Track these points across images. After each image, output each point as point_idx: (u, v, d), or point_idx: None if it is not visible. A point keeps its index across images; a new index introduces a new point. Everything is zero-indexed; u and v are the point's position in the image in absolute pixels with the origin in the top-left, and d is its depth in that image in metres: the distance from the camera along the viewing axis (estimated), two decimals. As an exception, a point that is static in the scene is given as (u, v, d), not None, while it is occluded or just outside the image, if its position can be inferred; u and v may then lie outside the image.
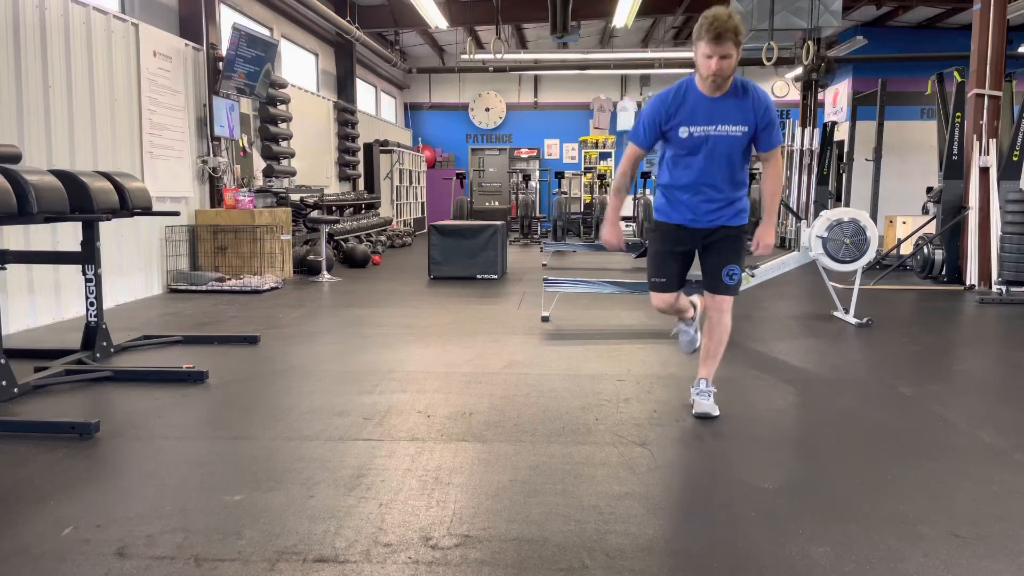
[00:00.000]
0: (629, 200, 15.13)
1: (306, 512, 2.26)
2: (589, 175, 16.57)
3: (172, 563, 1.95)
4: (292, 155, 9.64)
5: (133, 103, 6.50)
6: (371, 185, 13.70)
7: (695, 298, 3.55)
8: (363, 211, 12.33)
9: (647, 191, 13.36)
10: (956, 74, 7.93)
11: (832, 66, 12.69)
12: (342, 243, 9.76)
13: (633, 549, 2.04)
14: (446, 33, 14.22)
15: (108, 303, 6.00)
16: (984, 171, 7.57)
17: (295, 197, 9.27)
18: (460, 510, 2.28)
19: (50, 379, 3.65)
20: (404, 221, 15.07)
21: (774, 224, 3.18)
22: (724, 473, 2.62)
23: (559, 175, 14.16)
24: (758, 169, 15.95)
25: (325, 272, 8.02)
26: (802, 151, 12.70)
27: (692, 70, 2.98)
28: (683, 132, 2.94)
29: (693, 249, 3.20)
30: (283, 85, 9.38)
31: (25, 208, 3.35)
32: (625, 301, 6.39)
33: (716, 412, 3.19)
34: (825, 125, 11.96)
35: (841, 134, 12.20)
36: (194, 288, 6.98)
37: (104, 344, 4.26)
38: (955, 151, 7.80)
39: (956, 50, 10.32)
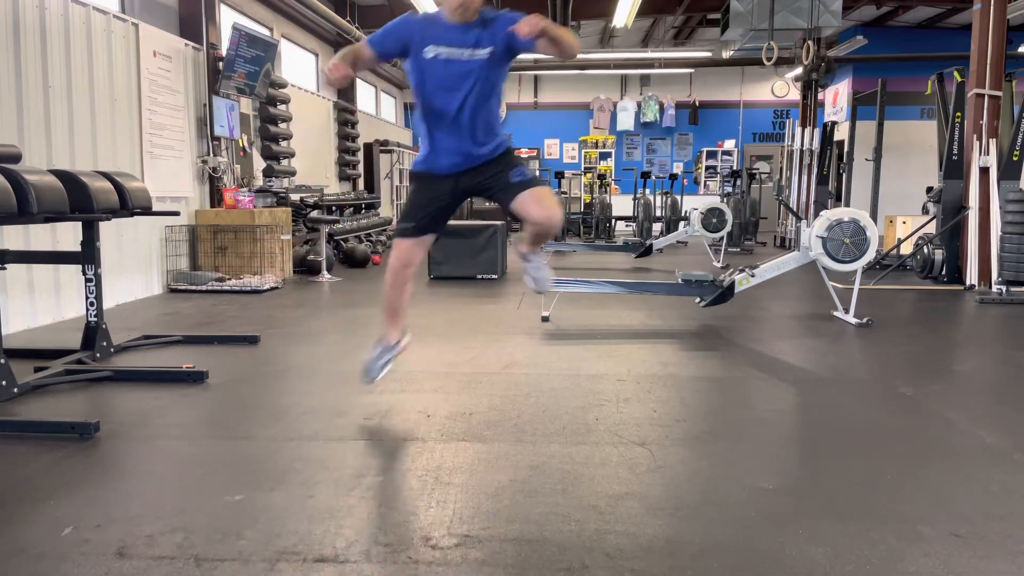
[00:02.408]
0: (629, 200, 15.14)
1: (306, 512, 2.26)
2: (589, 175, 16.57)
3: (172, 563, 1.95)
4: (292, 155, 9.64)
5: (133, 103, 6.50)
6: (371, 185, 13.70)
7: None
8: (363, 211, 12.33)
9: (647, 191, 13.36)
10: (956, 74, 7.93)
11: (832, 66, 12.69)
12: (342, 243, 9.76)
13: (633, 549, 2.04)
14: (446, 33, 14.19)
15: (108, 303, 6.00)
16: (984, 171, 7.57)
17: (295, 197, 9.27)
18: (460, 510, 2.28)
19: (50, 379, 3.65)
20: (404, 221, 15.04)
21: (552, 28, 2.85)
22: (724, 473, 2.62)
23: (559, 175, 14.16)
24: (758, 169, 15.95)
25: (325, 272, 8.02)
26: (802, 151, 12.70)
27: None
28: (430, 52, 2.90)
29: (453, 193, 3.12)
30: (283, 85, 9.38)
31: (25, 208, 3.34)
32: (625, 301, 6.38)
33: (550, 286, 3.29)
34: (825, 125, 11.96)
35: (841, 134, 12.20)
36: (194, 288, 6.98)
37: (104, 344, 4.26)
38: (955, 151, 7.79)
39: (956, 50, 10.31)
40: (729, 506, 2.33)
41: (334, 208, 10.66)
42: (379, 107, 16.43)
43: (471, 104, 2.94)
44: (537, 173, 3.22)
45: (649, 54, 14.42)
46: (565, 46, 2.87)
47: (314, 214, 9.12)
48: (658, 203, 14.16)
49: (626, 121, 17.67)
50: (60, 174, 3.74)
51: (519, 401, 3.45)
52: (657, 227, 13.76)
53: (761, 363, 4.34)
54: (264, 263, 7.47)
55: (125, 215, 4.20)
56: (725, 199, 12.66)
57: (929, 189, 8.55)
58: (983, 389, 3.90)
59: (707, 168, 17.56)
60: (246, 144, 8.76)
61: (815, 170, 11.85)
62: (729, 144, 17.57)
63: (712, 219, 9.87)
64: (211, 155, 7.73)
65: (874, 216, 9.64)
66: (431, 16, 2.99)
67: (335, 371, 4.07)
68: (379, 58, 3.03)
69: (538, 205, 3.00)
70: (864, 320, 5.38)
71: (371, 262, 9.47)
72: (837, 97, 14.28)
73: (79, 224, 4.12)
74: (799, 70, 13.40)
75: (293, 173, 9.71)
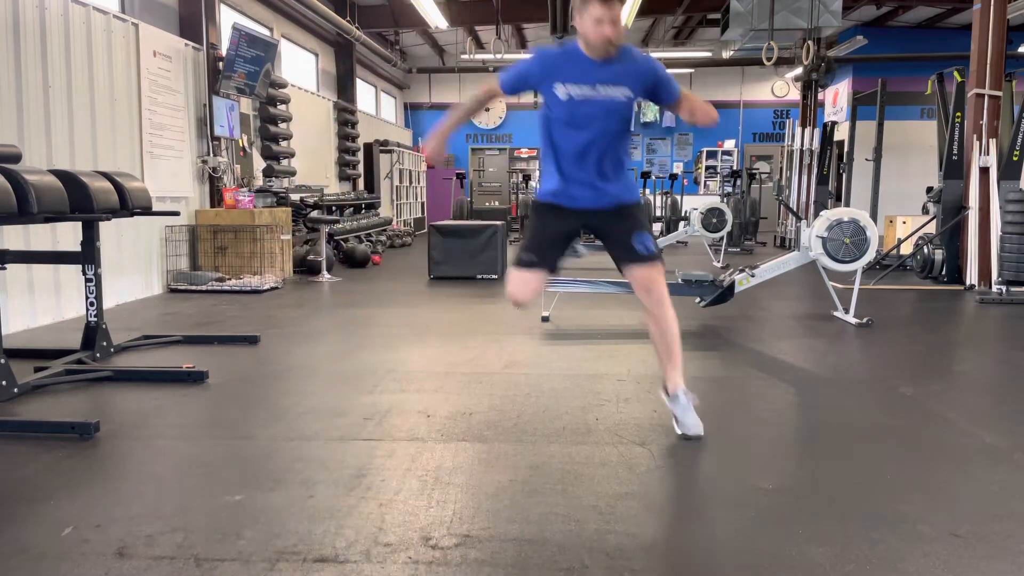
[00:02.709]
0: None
1: (306, 512, 2.26)
2: (589, 175, 16.54)
3: (172, 563, 1.95)
4: (292, 155, 9.65)
5: (133, 103, 6.50)
6: (371, 185, 13.70)
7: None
8: (363, 211, 12.33)
9: (647, 191, 13.35)
10: (956, 74, 7.93)
11: (832, 66, 12.69)
12: (342, 243, 9.76)
13: (633, 549, 2.04)
14: (446, 33, 14.21)
15: (108, 303, 6.00)
16: (984, 171, 7.57)
17: (295, 197, 9.27)
18: (460, 510, 2.28)
19: (50, 379, 3.65)
20: (404, 221, 15.07)
21: (691, 97, 2.93)
22: (724, 473, 2.62)
23: (559, 175, 14.13)
24: (758, 169, 15.96)
25: (325, 272, 8.02)
26: (802, 151, 12.69)
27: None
28: (562, 92, 2.79)
29: (576, 229, 3.04)
30: (283, 85, 9.38)
31: (25, 208, 3.34)
32: (625, 301, 6.37)
33: (702, 431, 2.89)
34: (825, 125, 11.96)
35: (841, 134, 12.20)
36: (194, 288, 6.98)
37: (104, 344, 4.26)
38: (955, 151, 7.79)
39: (956, 50, 10.31)
40: (729, 506, 2.33)
41: (334, 208, 10.67)
42: (379, 107, 16.43)
43: (601, 143, 2.82)
44: (655, 241, 3.11)
45: (649, 54, 14.41)
46: (700, 118, 2.89)
47: (314, 214, 9.12)
48: (658, 203, 14.17)
49: (626, 121, 17.65)
50: (60, 174, 3.74)
51: (519, 401, 3.45)
52: (657, 227, 13.76)
53: (761, 363, 4.34)
54: (264, 263, 7.47)
55: (125, 215, 4.20)
56: (725, 199, 12.66)
57: (929, 189, 8.55)
58: (983, 389, 3.90)
59: (707, 168, 17.57)
60: (246, 144, 8.76)
61: (815, 170, 11.85)
62: (729, 144, 17.57)
63: (712, 219, 9.87)
64: (211, 155, 7.73)
65: (874, 216, 9.64)
66: (568, 50, 2.81)
67: (335, 371, 4.07)
68: (508, 97, 2.99)
69: (647, 293, 2.88)
70: (864, 320, 5.38)
71: (371, 262, 9.48)
72: (837, 97, 14.28)
73: (79, 224, 4.12)
74: (799, 70, 13.41)
75: (293, 173, 9.71)
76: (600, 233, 3.03)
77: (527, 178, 15.50)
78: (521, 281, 2.95)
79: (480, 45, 15.11)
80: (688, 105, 2.88)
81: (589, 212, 2.95)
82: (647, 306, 2.91)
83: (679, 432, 2.96)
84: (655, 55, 14.31)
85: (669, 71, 2.96)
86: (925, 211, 9.11)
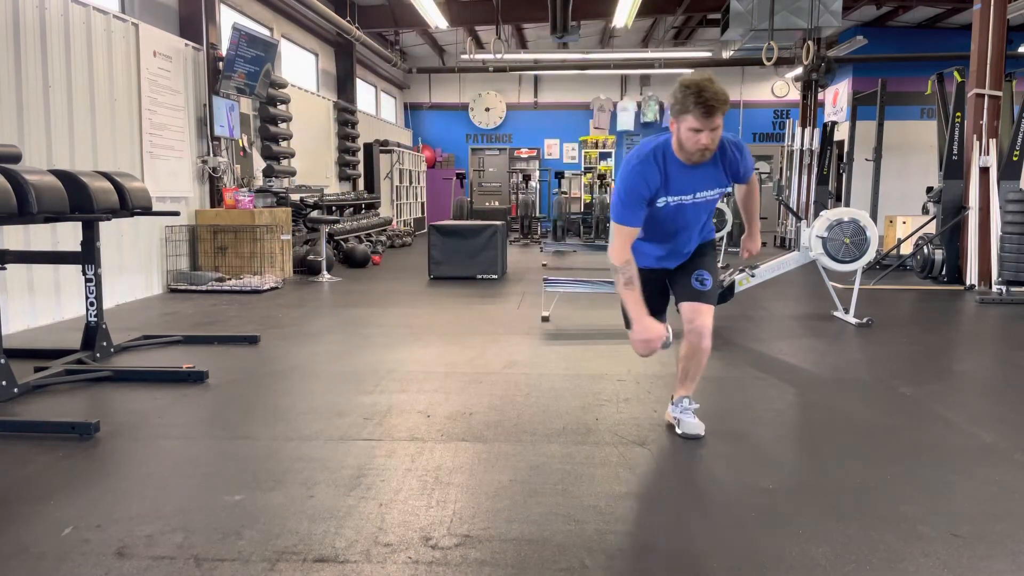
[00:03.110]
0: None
1: (306, 512, 2.26)
2: (589, 175, 16.57)
3: (172, 563, 1.95)
4: (292, 155, 9.64)
5: (133, 103, 6.50)
6: (371, 185, 13.70)
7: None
8: (363, 211, 12.33)
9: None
10: (956, 74, 7.93)
11: (832, 66, 12.69)
12: (342, 243, 9.76)
13: (633, 549, 2.04)
14: (446, 33, 14.21)
15: (108, 303, 6.00)
16: (984, 171, 7.57)
17: (295, 197, 9.27)
18: (460, 510, 2.28)
19: (50, 379, 3.65)
20: (404, 221, 15.07)
21: (758, 233, 3.25)
22: (724, 473, 2.62)
23: (559, 175, 14.17)
24: (758, 169, 15.95)
25: (325, 272, 8.02)
26: (802, 151, 12.70)
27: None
28: (661, 202, 2.76)
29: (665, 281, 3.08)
30: (283, 85, 9.38)
31: (25, 208, 3.35)
32: (625, 301, 6.37)
33: (703, 431, 2.96)
34: (825, 125, 11.96)
35: (841, 134, 12.20)
36: (194, 288, 6.98)
37: (104, 344, 4.26)
38: (955, 151, 7.80)
39: (956, 50, 10.32)
40: (729, 506, 2.33)
41: (334, 208, 10.67)
42: (379, 107, 16.43)
43: (691, 229, 2.90)
44: (714, 280, 3.09)
45: (649, 54, 14.42)
46: (749, 205, 3.19)
47: (314, 214, 9.12)
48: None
49: (626, 121, 17.66)
50: (60, 174, 3.74)
51: (519, 401, 3.45)
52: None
53: (761, 363, 4.34)
54: (264, 263, 7.47)
55: (125, 215, 4.20)
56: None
57: (929, 189, 8.55)
58: (983, 389, 3.90)
59: (707, 168, 17.55)
60: (246, 144, 8.76)
61: (815, 170, 11.85)
62: (729, 144, 17.54)
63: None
64: (211, 155, 7.73)
65: (874, 216, 9.64)
66: (662, 157, 2.69)
67: (335, 371, 4.07)
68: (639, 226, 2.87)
69: (690, 323, 2.87)
70: (864, 320, 5.38)
71: (371, 262, 9.48)
72: (837, 97, 14.28)
73: (79, 224, 4.12)
74: (799, 70, 13.41)
75: (293, 173, 9.71)
76: (670, 277, 3.08)
77: (527, 178, 15.50)
78: (645, 328, 2.77)
79: (480, 45, 15.11)
80: (750, 188, 3.09)
81: (671, 267, 3.04)
82: (687, 334, 2.90)
83: (680, 432, 2.98)
84: (655, 55, 14.37)
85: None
86: (925, 211, 9.11)
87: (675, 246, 2.94)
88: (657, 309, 2.96)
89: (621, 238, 2.75)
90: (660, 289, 3.07)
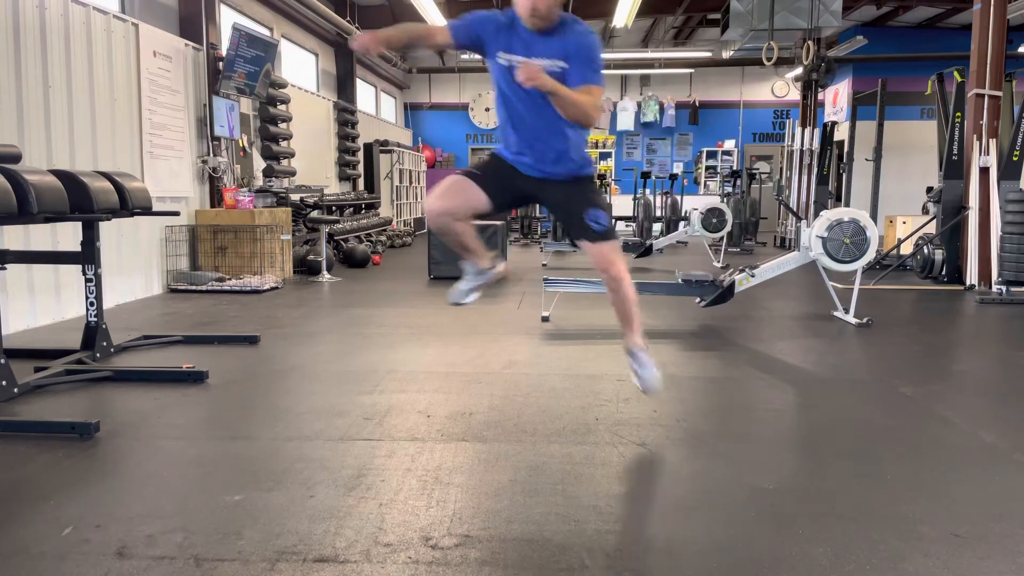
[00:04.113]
0: (628, 200, 15.13)
1: (306, 512, 2.26)
2: (589, 175, 16.55)
3: (172, 563, 1.95)
4: (292, 155, 9.64)
5: (133, 103, 6.50)
6: (371, 185, 13.70)
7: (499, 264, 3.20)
8: (363, 211, 12.33)
9: (647, 191, 13.36)
10: (956, 74, 7.93)
11: (832, 66, 12.68)
12: (342, 243, 9.76)
13: (633, 549, 2.04)
14: (446, 33, 14.19)
15: (108, 303, 6.00)
16: (984, 171, 7.57)
17: (295, 197, 9.27)
18: (460, 510, 2.28)
19: (50, 379, 3.65)
20: (404, 221, 15.07)
21: (559, 89, 2.58)
22: (724, 473, 2.62)
23: (559, 175, 14.13)
24: (758, 169, 15.94)
25: (325, 272, 8.02)
26: (802, 151, 12.70)
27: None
28: (500, 59, 2.75)
29: (524, 193, 3.01)
30: (283, 85, 9.38)
31: (25, 208, 3.34)
32: (625, 301, 6.37)
33: (659, 385, 3.00)
34: (825, 125, 11.96)
35: (841, 134, 12.20)
36: (194, 288, 6.98)
37: (104, 344, 4.26)
38: (955, 151, 7.80)
39: (956, 50, 10.31)
40: (729, 506, 2.33)
41: (334, 208, 10.67)
42: (379, 107, 16.43)
43: (543, 114, 2.75)
44: (608, 218, 3.10)
45: (649, 54, 14.43)
46: (572, 113, 2.65)
47: (314, 214, 9.12)
48: (658, 203, 14.17)
49: (626, 121, 17.67)
50: (60, 174, 3.74)
51: (519, 401, 3.45)
52: (657, 227, 13.76)
53: (761, 363, 4.34)
54: (264, 263, 7.47)
55: (125, 215, 4.20)
56: (725, 199, 12.66)
57: (929, 189, 8.56)
58: (983, 389, 3.90)
59: (707, 168, 17.57)
60: (246, 144, 8.76)
61: (815, 170, 11.85)
62: (729, 144, 17.57)
63: (712, 219, 9.87)
64: (211, 155, 7.73)
65: (874, 216, 9.64)
66: (511, 17, 2.78)
67: (335, 371, 4.07)
68: (452, 46, 2.92)
69: (605, 272, 2.93)
70: (864, 320, 5.38)
71: (371, 262, 9.48)
72: (837, 97, 14.28)
73: (79, 224, 4.12)
74: (799, 70, 13.41)
75: (293, 173, 9.71)
76: (551, 205, 3.04)
77: (527, 178, 15.49)
78: (452, 182, 2.90)
79: (480, 45, 15.10)
80: (574, 98, 2.64)
81: (537, 181, 2.94)
82: (605, 281, 2.98)
83: (637, 386, 3.06)
84: (655, 55, 14.37)
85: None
86: (925, 211, 9.12)
87: (528, 141, 2.86)
88: (500, 201, 2.97)
89: (433, 26, 2.99)
90: (511, 182, 2.97)
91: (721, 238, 10.24)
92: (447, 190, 2.93)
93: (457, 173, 3.00)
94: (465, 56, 13.37)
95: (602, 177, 15.24)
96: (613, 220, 2.94)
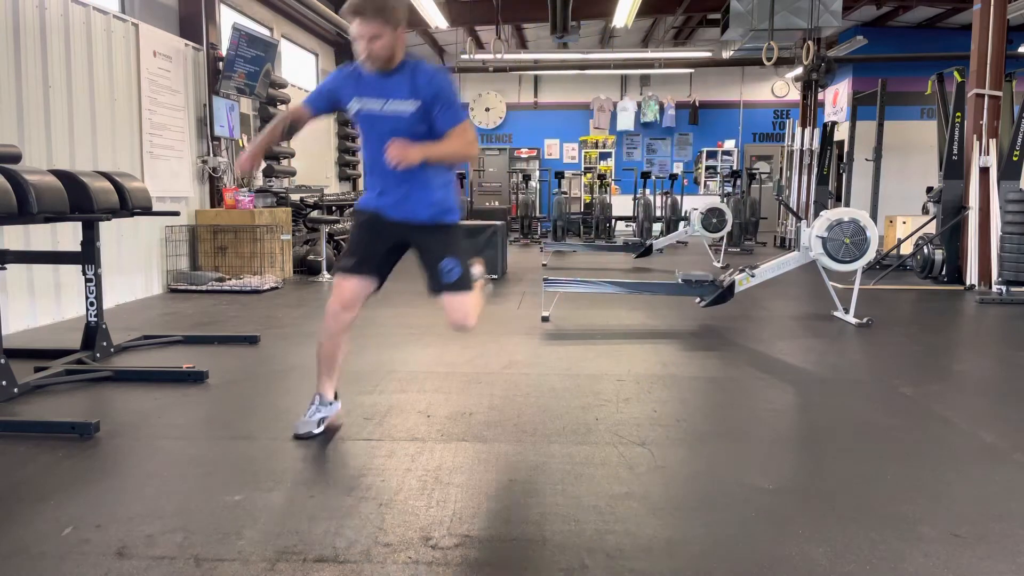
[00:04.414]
0: (629, 200, 15.14)
1: (306, 512, 2.26)
2: (589, 175, 16.58)
3: (172, 563, 1.95)
4: (292, 155, 9.64)
5: (133, 103, 6.50)
6: (371, 185, 13.68)
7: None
8: (363, 211, 12.30)
9: (647, 191, 13.36)
10: (956, 74, 7.93)
11: (832, 66, 12.69)
12: (342, 243, 9.75)
13: (633, 549, 2.04)
14: (446, 33, 14.21)
15: (108, 303, 6.00)
16: (984, 171, 7.57)
17: (295, 197, 9.27)
18: (460, 510, 2.28)
19: (50, 379, 3.65)
20: (404, 221, 15.05)
21: (429, 153, 2.67)
22: (724, 473, 2.62)
23: (559, 175, 14.17)
24: (758, 169, 15.94)
25: (325, 272, 8.02)
26: (802, 151, 12.70)
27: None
28: (356, 105, 2.82)
29: (395, 242, 3.01)
30: (283, 85, 9.38)
31: (25, 208, 3.35)
32: (625, 301, 6.38)
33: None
34: (825, 125, 11.97)
35: (841, 134, 12.20)
36: (194, 288, 6.98)
37: (104, 344, 4.26)
38: (955, 151, 7.80)
39: (956, 50, 10.31)
40: (729, 506, 2.33)
41: (334, 208, 10.66)
42: (379, 107, 16.42)
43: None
44: (463, 266, 2.98)
45: (649, 54, 14.42)
46: (453, 163, 2.84)
47: (314, 214, 9.12)
48: (658, 203, 14.17)
49: (626, 121, 17.65)
50: (60, 174, 3.74)
51: (519, 401, 3.45)
52: (657, 227, 13.76)
53: (761, 363, 4.34)
54: (264, 263, 7.47)
55: (125, 215, 4.20)
56: (725, 199, 12.66)
57: (929, 189, 8.56)
58: (983, 389, 3.90)
59: (707, 168, 17.56)
60: (246, 144, 8.76)
61: (815, 170, 11.86)
62: (729, 144, 17.56)
63: (712, 219, 9.87)
64: (211, 155, 7.73)
65: (874, 216, 9.64)
66: (358, 66, 2.81)
67: (335, 371, 4.06)
68: (315, 117, 3.00)
69: (454, 315, 2.93)
70: (864, 320, 5.38)
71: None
72: (837, 97, 14.28)
73: (79, 224, 4.12)
74: (799, 70, 13.40)
75: (293, 173, 9.71)
76: (415, 250, 3.04)
77: (527, 178, 15.51)
78: (338, 288, 2.98)
79: (480, 45, 15.11)
80: (449, 152, 2.74)
81: (401, 224, 2.92)
82: (451, 325, 2.97)
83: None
84: (655, 55, 14.38)
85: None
86: (925, 211, 9.11)
87: (390, 182, 2.84)
88: (368, 263, 3.01)
89: (291, 108, 3.08)
90: (381, 244, 2.98)
91: (721, 238, 10.23)
92: (339, 297, 3.03)
93: (336, 275, 3.04)
94: (465, 56, 13.35)
95: (602, 177, 15.26)
96: (480, 266, 2.89)
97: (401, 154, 2.54)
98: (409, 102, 2.73)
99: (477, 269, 3.28)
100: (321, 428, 3.00)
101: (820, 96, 13.44)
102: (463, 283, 2.92)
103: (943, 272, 7.73)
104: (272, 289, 7.11)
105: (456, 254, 2.94)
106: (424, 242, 2.97)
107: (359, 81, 2.81)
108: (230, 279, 7.26)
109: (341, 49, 13.02)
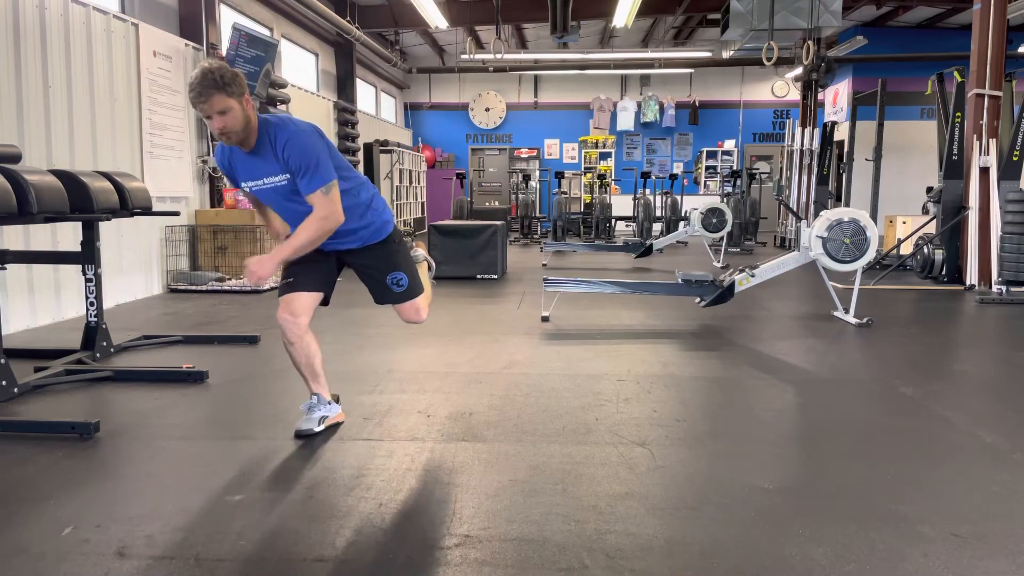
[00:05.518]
0: (629, 200, 15.15)
1: (306, 512, 2.26)
2: (589, 175, 16.58)
3: (172, 563, 1.95)
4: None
5: (133, 103, 6.50)
6: (371, 185, 13.68)
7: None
8: (363, 211, 12.30)
9: (647, 191, 13.36)
10: (956, 74, 7.93)
11: (832, 66, 12.69)
12: (342, 243, 9.75)
13: (633, 549, 2.04)
14: (446, 33, 14.22)
15: (108, 303, 6.00)
16: (984, 171, 7.57)
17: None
18: (460, 510, 2.28)
19: (50, 379, 3.65)
20: (404, 221, 15.07)
21: (284, 255, 2.71)
22: (724, 473, 2.62)
23: (559, 175, 14.17)
24: (758, 169, 15.95)
25: (325, 272, 8.01)
26: (802, 151, 12.70)
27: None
28: (245, 186, 2.83)
29: (334, 265, 3.05)
30: (283, 85, 9.38)
31: (25, 208, 3.35)
32: (625, 301, 6.39)
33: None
34: (825, 125, 11.96)
35: (841, 134, 12.20)
36: (194, 288, 6.98)
37: (104, 344, 4.26)
38: (955, 151, 7.80)
39: (956, 50, 10.32)
40: (729, 506, 2.33)
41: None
42: (379, 107, 16.43)
43: (301, 214, 2.75)
44: (410, 277, 3.10)
45: (649, 54, 14.42)
46: (321, 237, 2.75)
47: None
48: (658, 203, 14.17)
49: (626, 121, 17.67)
50: (60, 174, 3.74)
51: (519, 401, 3.45)
52: (657, 227, 13.76)
53: (761, 363, 4.34)
54: (264, 263, 7.46)
55: (125, 215, 4.20)
56: (725, 199, 12.66)
57: (929, 189, 8.55)
58: (983, 389, 3.90)
59: (707, 168, 17.57)
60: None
61: (815, 170, 11.85)
62: (729, 144, 17.57)
63: (712, 219, 9.87)
64: (211, 155, 7.73)
65: (874, 216, 9.64)
66: (232, 147, 2.78)
67: (335, 371, 4.06)
68: (250, 193, 2.90)
69: (408, 315, 3.12)
70: (864, 320, 5.38)
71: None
72: (837, 97, 14.28)
73: (79, 224, 4.12)
74: (799, 70, 13.41)
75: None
76: (355, 268, 3.07)
77: (527, 178, 15.51)
78: (284, 303, 2.98)
79: (480, 45, 15.11)
80: (309, 235, 2.70)
81: (337, 252, 3.00)
82: (408, 321, 3.19)
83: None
84: (655, 55, 14.37)
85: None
86: (925, 211, 9.11)
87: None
88: (327, 284, 3.05)
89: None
90: (326, 267, 3.03)
91: (721, 238, 10.23)
92: (285, 308, 2.99)
93: (280, 298, 3.02)
94: (465, 56, 13.35)
95: (602, 177, 15.27)
96: (421, 248, 2.95)
97: (258, 273, 2.61)
98: (281, 176, 2.73)
99: (418, 252, 3.37)
100: (322, 427, 3.01)
101: (820, 96, 13.44)
102: (413, 290, 3.06)
103: (943, 272, 7.73)
104: (272, 289, 7.11)
105: (400, 266, 3.02)
106: (363, 262, 3.03)
107: (237, 164, 2.80)
108: (230, 279, 7.26)
109: (341, 49, 13.03)
